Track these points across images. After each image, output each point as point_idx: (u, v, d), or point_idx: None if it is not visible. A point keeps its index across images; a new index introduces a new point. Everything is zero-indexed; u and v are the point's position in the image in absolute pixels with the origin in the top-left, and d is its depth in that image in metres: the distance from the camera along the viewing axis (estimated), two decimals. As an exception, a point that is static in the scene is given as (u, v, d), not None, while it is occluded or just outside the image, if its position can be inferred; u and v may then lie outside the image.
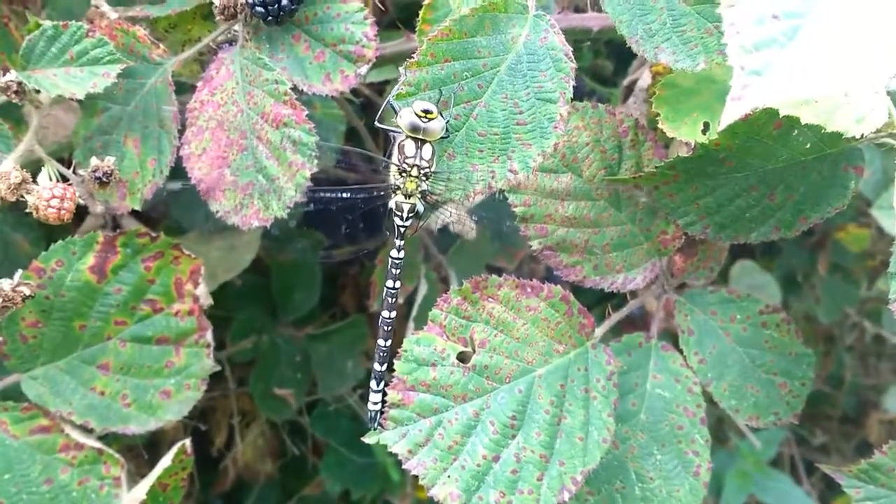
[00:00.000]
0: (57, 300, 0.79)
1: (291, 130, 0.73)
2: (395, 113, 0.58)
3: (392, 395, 0.65)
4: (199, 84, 0.76)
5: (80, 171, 0.76)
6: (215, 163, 0.75)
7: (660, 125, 0.63)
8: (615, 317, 0.71)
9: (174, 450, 0.80)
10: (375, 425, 0.62)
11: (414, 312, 0.97)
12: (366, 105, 0.98)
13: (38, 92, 0.74)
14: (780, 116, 0.59)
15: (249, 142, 0.74)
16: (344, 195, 0.62)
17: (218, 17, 0.75)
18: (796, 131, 0.60)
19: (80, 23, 0.73)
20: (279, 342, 1.26)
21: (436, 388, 0.66)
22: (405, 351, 0.65)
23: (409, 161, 0.58)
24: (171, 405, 0.84)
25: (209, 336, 0.86)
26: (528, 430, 0.65)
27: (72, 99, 0.73)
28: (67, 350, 0.81)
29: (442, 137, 0.57)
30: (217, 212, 0.75)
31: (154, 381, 0.83)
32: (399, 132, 0.59)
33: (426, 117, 0.56)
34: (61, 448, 0.81)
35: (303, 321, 1.33)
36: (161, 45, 0.80)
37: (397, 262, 0.62)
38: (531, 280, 0.67)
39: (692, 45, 0.59)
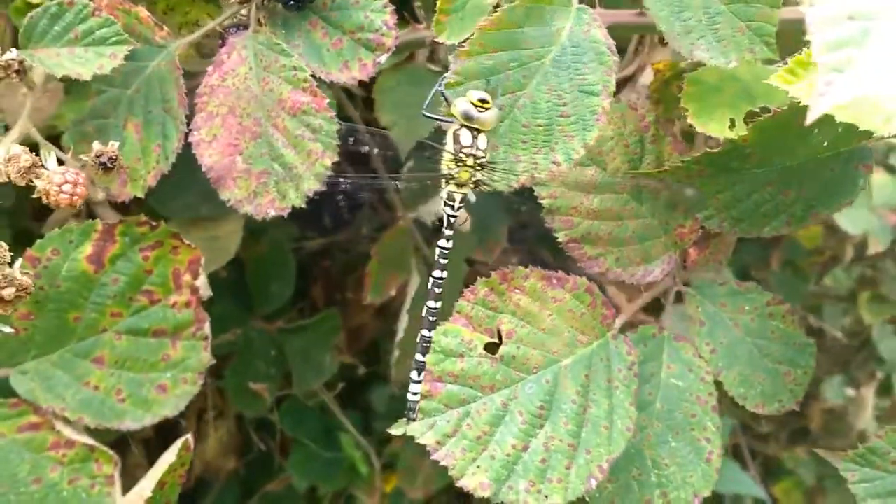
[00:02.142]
0: (52, 291, 0.75)
1: (311, 118, 0.71)
2: (446, 101, 0.58)
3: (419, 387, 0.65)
4: (210, 69, 0.74)
5: (83, 156, 0.72)
6: (227, 150, 0.73)
7: (689, 121, 0.65)
8: (631, 307, 0.73)
9: (177, 446, 0.77)
10: (414, 416, 0.62)
11: (407, 304, 0.97)
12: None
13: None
14: (799, 114, 0.61)
15: (264, 129, 0.73)
16: (398, 184, 0.61)
17: (231, 0, 0.73)
18: (816, 129, 0.63)
19: (86, 1, 0.70)
20: (254, 336, 1.23)
21: (463, 378, 0.66)
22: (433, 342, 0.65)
23: (466, 150, 0.58)
24: (167, 400, 0.81)
25: (207, 328, 0.83)
26: (556, 420, 0.66)
27: (64, 80, 0.69)
28: (60, 343, 0.77)
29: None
30: (229, 200, 0.73)
31: (150, 375, 0.80)
32: (452, 121, 0.59)
33: (482, 107, 0.56)
34: (51, 446, 0.77)
35: (274, 315, 1.31)
36: (165, 27, 0.77)
37: (445, 251, 0.62)
38: (557, 272, 0.68)
39: (725, 43, 0.61)
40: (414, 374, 0.61)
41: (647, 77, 0.84)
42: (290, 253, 1.27)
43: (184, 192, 1.03)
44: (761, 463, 1.85)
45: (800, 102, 0.56)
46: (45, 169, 0.66)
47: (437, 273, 0.62)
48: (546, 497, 0.65)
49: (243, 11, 0.77)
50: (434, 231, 1.05)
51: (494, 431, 0.65)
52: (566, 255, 1.48)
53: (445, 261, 0.62)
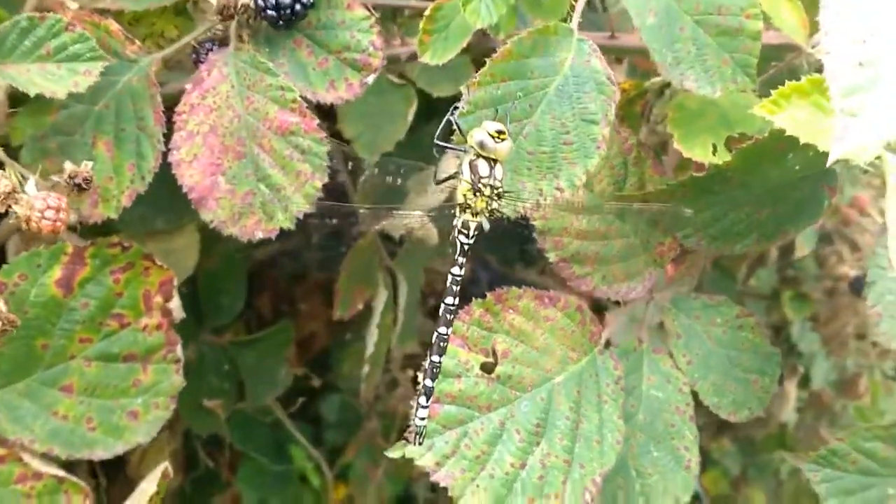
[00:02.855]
0: (20, 318, 0.71)
1: (299, 139, 0.70)
2: (459, 131, 0.59)
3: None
4: (189, 86, 0.72)
5: (54, 177, 0.69)
6: (208, 169, 0.71)
7: (675, 146, 0.68)
8: (613, 323, 0.75)
9: (157, 474, 0.75)
10: (421, 440, 0.62)
11: (376, 318, 0.97)
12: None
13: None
14: (778, 141, 0.65)
15: (249, 149, 0.71)
16: (416, 214, 0.62)
17: (215, 17, 0.71)
18: (791, 155, 0.67)
19: (59, 15, 0.67)
20: (206, 351, 1.20)
21: (461, 399, 0.67)
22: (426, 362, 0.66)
23: (485, 181, 0.59)
24: (138, 427, 0.79)
25: (179, 351, 0.81)
26: (552, 437, 0.68)
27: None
28: (26, 372, 0.74)
29: None
30: (211, 221, 0.71)
31: (120, 401, 0.78)
32: (466, 151, 0.59)
33: (499, 138, 0.57)
34: (17, 478, 0.74)
35: (222, 329, 1.28)
36: (136, 41, 0.74)
37: (458, 278, 0.62)
38: (549, 291, 0.69)
39: (711, 73, 0.64)
40: (422, 400, 0.62)
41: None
42: (242, 265, 1.24)
43: (137, 204, 1.00)
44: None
45: (784, 131, 0.59)
46: (24, 194, 0.62)
47: (448, 300, 0.63)
48: (544, 512, 0.66)
49: (219, 26, 0.75)
50: (399, 244, 1.06)
51: (492, 450, 0.67)
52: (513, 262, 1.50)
53: (458, 287, 0.62)
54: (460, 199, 0.60)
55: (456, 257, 0.62)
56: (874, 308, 0.67)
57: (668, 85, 0.87)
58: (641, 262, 0.74)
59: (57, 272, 0.73)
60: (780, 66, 0.76)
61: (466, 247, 0.62)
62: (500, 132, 0.57)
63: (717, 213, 0.72)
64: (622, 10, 0.67)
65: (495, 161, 0.58)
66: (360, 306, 1.02)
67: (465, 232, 0.61)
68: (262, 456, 1.38)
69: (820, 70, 0.76)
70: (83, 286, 0.74)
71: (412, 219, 0.70)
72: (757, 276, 1.78)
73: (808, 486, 2.07)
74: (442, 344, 0.62)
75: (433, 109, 1.25)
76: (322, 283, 1.39)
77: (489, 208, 0.60)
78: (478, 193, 0.59)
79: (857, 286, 1.39)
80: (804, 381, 1.90)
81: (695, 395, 0.77)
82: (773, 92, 0.60)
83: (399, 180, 0.74)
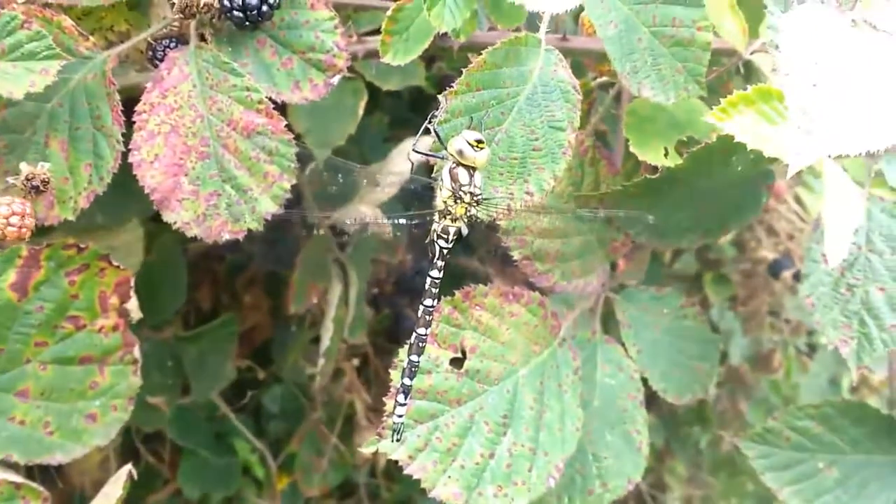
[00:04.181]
0: (-26, 324, 0.69)
1: (266, 140, 0.70)
2: (439, 140, 0.60)
3: (389, 405, 0.67)
4: (148, 85, 0.71)
5: (9, 179, 0.67)
6: (170, 170, 0.70)
7: (631, 149, 0.71)
8: (571, 316, 0.79)
9: (121, 478, 0.75)
10: (398, 437, 0.64)
11: (332, 312, 0.98)
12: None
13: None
14: (725, 145, 0.69)
15: (213, 149, 0.71)
16: (400, 221, 0.63)
17: (175, 14, 0.70)
18: (735, 157, 0.71)
19: (14, 12, 0.64)
20: (148, 347, 1.18)
21: (432, 394, 0.69)
22: (400, 361, 0.68)
23: (465, 188, 0.60)
24: (97, 429, 0.78)
25: (136, 352, 0.81)
26: (518, 427, 0.71)
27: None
28: (-20, 378, 0.72)
29: None
30: (175, 223, 0.71)
31: (78, 404, 0.77)
32: (444, 159, 0.61)
33: (478, 147, 0.59)
34: (-26, 486, 0.72)
35: (162, 324, 1.26)
36: (91, 38, 0.72)
37: (437, 281, 0.64)
38: (513, 288, 0.72)
39: (666, 82, 0.68)
40: (401, 398, 0.64)
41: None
42: (181, 259, 1.22)
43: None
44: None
45: (731, 136, 0.64)
46: (-13, 200, 0.60)
47: (427, 301, 0.64)
48: (512, 499, 0.70)
49: (176, 23, 0.74)
50: (348, 235, 1.06)
51: (462, 442, 0.69)
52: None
53: (437, 290, 0.64)
54: (440, 206, 0.62)
55: (435, 261, 0.64)
56: (808, 298, 0.73)
57: (612, 84, 0.91)
58: (597, 258, 0.78)
59: (11, 276, 0.71)
60: (719, 70, 0.81)
61: (445, 251, 0.64)
62: (479, 141, 0.59)
63: (666, 210, 0.76)
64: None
65: (474, 169, 0.60)
66: (315, 300, 1.03)
67: (445, 237, 0.63)
68: (203, 450, 1.36)
69: (753, 76, 0.82)
70: (38, 289, 0.73)
71: (369, 217, 0.72)
72: (682, 259, 1.86)
73: (726, 458, 2.20)
74: (421, 344, 0.64)
75: (376, 102, 1.26)
76: (263, 275, 1.38)
77: (468, 214, 0.62)
78: (458, 201, 0.61)
79: (776, 268, 1.49)
80: (722, 358, 2.01)
81: (644, 381, 0.82)
82: (721, 100, 0.64)
83: (345, 179, 0.74)
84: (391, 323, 1.43)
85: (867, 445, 0.83)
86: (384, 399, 0.67)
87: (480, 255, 1.42)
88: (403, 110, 1.36)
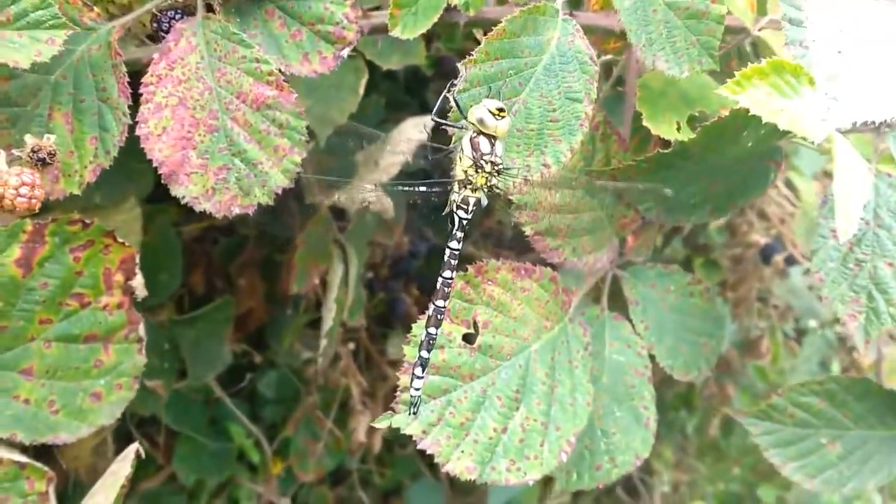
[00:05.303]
0: (-24, 300, 0.68)
1: (276, 113, 0.69)
2: (459, 109, 0.60)
3: (403, 380, 0.67)
4: (156, 56, 0.69)
5: (14, 151, 0.65)
6: (178, 143, 0.69)
7: (644, 123, 0.71)
8: (580, 293, 0.79)
9: (129, 456, 0.74)
10: (416, 410, 0.64)
11: (334, 293, 0.97)
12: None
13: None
14: (738, 119, 0.70)
15: (221, 122, 0.70)
16: (420, 189, 0.62)
17: (183, -15, 0.69)
18: (746, 132, 0.72)
19: (19, -21, 0.63)
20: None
21: (445, 369, 0.69)
22: (414, 336, 0.67)
23: (486, 157, 0.60)
24: (102, 408, 0.77)
25: (141, 330, 0.80)
26: (530, 401, 0.71)
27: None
28: (-17, 356, 0.70)
29: None
30: (183, 197, 0.70)
31: (83, 382, 0.76)
32: (465, 128, 0.60)
33: (499, 115, 0.58)
34: (-23, 466, 0.71)
35: (157, 307, 1.24)
36: (95, 8, 0.71)
37: (456, 252, 0.63)
38: (525, 263, 0.72)
39: (680, 55, 0.68)
40: (418, 371, 0.63)
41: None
42: (177, 241, 1.20)
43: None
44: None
45: (744, 110, 0.64)
46: (-3, 170, 0.59)
47: (447, 273, 0.64)
48: (525, 473, 0.69)
49: (175, -6, 0.73)
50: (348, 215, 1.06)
51: (476, 417, 0.69)
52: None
53: (456, 262, 0.64)
54: (460, 176, 0.61)
55: (454, 232, 0.63)
56: (817, 273, 0.73)
57: (616, 62, 0.91)
58: (607, 234, 0.78)
59: (16, 251, 0.69)
60: (728, 46, 0.81)
61: (465, 222, 0.63)
62: (500, 109, 0.59)
63: (675, 186, 0.76)
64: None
65: (495, 138, 0.60)
66: (317, 280, 1.02)
67: (465, 207, 0.63)
68: (198, 435, 1.35)
69: (763, 51, 0.82)
70: (42, 265, 0.71)
71: (369, 192, 0.71)
72: (672, 245, 1.87)
73: (713, 443, 2.21)
74: (439, 317, 0.64)
75: (372, 83, 1.25)
76: (258, 258, 1.37)
77: (488, 184, 0.62)
78: (479, 170, 0.60)
79: (767, 252, 1.50)
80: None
81: (651, 357, 0.82)
82: (735, 73, 0.64)
83: (362, 145, 0.73)
84: (386, 308, 1.42)
85: (870, 420, 0.84)
86: (381, 383, 0.67)
87: (475, 238, 1.42)
88: (400, 92, 1.35)
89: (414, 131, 0.88)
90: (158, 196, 1.00)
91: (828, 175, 0.73)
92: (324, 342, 0.99)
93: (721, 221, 1.57)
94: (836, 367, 1.64)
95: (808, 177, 1.58)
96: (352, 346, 1.32)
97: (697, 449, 2.21)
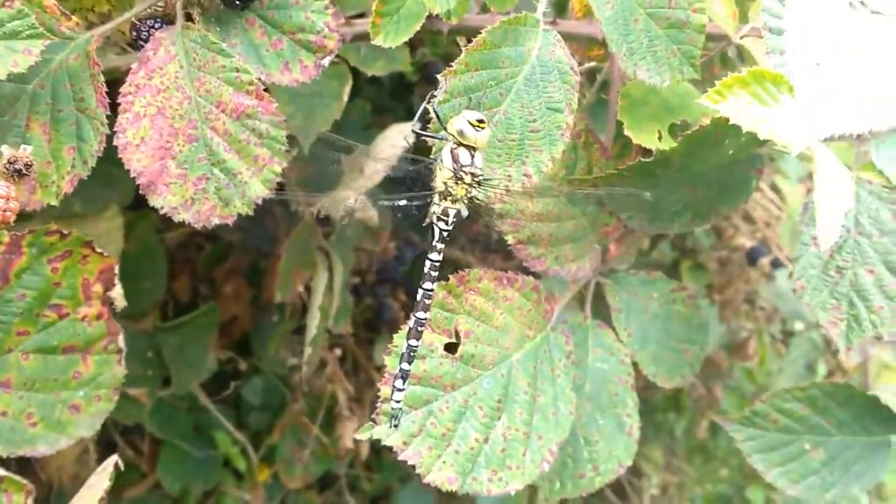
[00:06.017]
0: (-47, 312, 0.67)
1: (256, 122, 0.69)
2: (439, 120, 0.59)
3: (384, 390, 0.67)
4: (134, 66, 0.69)
5: (-10, 162, 0.64)
6: (157, 153, 0.69)
7: (626, 132, 0.71)
8: (563, 301, 0.79)
9: (108, 468, 0.73)
10: (396, 422, 0.64)
11: (318, 300, 0.96)
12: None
13: None
14: (719, 128, 0.70)
15: (201, 132, 0.69)
16: (401, 203, 0.61)
17: (163, -7, 0.68)
18: (727, 141, 0.72)
19: (-6, -11, 0.62)
20: (128, 338, 1.15)
21: (426, 379, 0.69)
22: (395, 347, 0.67)
23: (466, 169, 0.60)
24: (81, 420, 0.77)
25: (120, 341, 0.79)
26: (512, 411, 0.71)
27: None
28: (-39, 368, 0.69)
29: None
30: (162, 208, 0.69)
31: (61, 394, 0.75)
32: (445, 139, 0.60)
33: (479, 126, 0.58)
34: (-46, 480, 0.70)
35: (140, 314, 1.23)
36: (73, 18, 0.70)
37: (436, 264, 0.63)
38: (507, 272, 0.72)
39: (661, 64, 0.68)
40: (399, 383, 0.63)
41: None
42: (160, 248, 1.20)
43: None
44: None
45: (725, 119, 0.64)
46: (-30, 183, 0.58)
47: (427, 285, 0.64)
48: (507, 483, 0.69)
49: (161, 3, 0.72)
50: (332, 223, 1.05)
51: (457, 427, 0.69)
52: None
53: (436, 273, 0.63)
54: (440, 187, 0.61)
55: (434, 243, 0.63)
56: (798, 281, 0.73)
57: (600, 69, 0.91)
58: (589, 242, 0.78)
59: (-8, 263, 0.68)
60: (709, 53, 0.81)
61: (445, 233, 0.63)
62: (480, 121, 0.58)
63: (658, 194, 0.76)
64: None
65: (475, 149, 0.60)
66: (300, 288, 1.01)
67: (445, 219, 0.63)
68: (183, 442, 1.35)
69: (744, 58, 0.82)
70: (20, 276, 0.71)
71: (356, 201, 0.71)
72: (659, 249, 1.88)
73: (700, 444, 2.22)
74: (420, 328, 0.64)
75: (357, 89, 1.24)
76: (243, 265, 1.36)
77: (468, 195, 0.61)
78: (459, 182, 0.60)
79: (753, 256, 1.50)
80: (699, 345, 2.01)
81: (634, 365, 0.82)
82: (716, 82, 0.64)
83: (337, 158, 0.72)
84: (373, 313, 1.42)
85: (852, 427, 0.84)
86: (368, 388, 0.67)
87: (462, 244, 1.42)
88: (385, 98, 1.34)
89: (399, 137, 0.88)
90: (140, 202, 1.00)
91: (813, 179, 0.73)
92: (308, 350, 0.99)
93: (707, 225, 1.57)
94: (822, 369, 1.64)
95: (793, 180, 1.59)
96: (339, 351, 1.32)
97: (686, 451, 2.21)
